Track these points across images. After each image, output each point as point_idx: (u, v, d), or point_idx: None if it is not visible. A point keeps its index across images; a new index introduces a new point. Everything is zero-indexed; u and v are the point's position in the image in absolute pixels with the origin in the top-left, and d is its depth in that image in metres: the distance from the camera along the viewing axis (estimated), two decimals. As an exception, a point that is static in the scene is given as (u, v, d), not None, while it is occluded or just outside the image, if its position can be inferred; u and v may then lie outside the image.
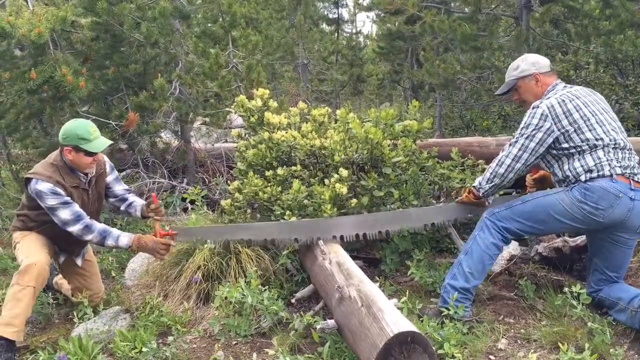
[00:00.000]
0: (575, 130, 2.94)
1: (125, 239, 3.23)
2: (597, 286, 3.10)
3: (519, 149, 3.02)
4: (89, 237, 3.19)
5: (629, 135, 3.17)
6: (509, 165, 3.05)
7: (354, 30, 18.50)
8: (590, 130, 2.94)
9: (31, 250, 3.17)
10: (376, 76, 15.22)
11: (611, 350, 2.65)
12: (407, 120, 4.05)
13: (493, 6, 8.00)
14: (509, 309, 3.25)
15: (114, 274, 4.18)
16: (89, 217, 3.22)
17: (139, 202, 3.57)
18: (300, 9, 14.15)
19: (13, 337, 2.98)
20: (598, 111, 3.02)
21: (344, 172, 3.58)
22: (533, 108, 3.04)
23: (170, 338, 3.00)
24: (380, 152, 3.73)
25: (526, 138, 3.00)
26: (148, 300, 3.53)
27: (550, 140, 2.97)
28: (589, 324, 2.82)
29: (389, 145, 3.77)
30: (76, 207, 3.19)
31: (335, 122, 4.15)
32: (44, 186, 3.12)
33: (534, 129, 2.98)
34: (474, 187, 3.27)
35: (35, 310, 3.55)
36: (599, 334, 2.74)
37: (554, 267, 3.71)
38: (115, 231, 3.24)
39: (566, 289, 2.92)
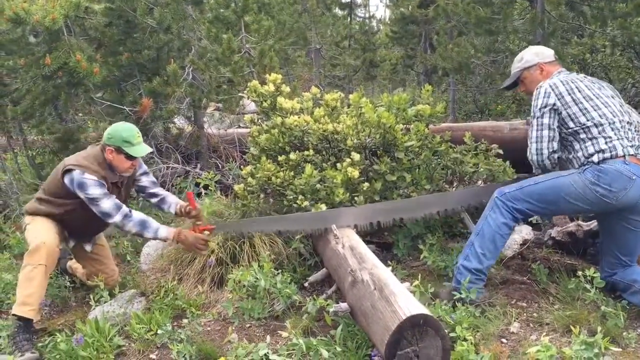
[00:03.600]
0: (580, 109, 2.97)
1: (164, 231, 3.24)
2: (611, 270, 3.08)
3: (537, 129, 3.05)
4: (128, 227, 3.20)
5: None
6: (536, 149, 3.07)
7: (367, 15, 18.38)
8: (595, 110, 2.97)
9: (40, 231, 3.21)
10: (389, 61, 15.14)
11: (624, 333, 2.65)
12: (420, 105, 4.03)
13: (508, -12, 7.91)
14: (522, 293, 3.25)
15: (129, 258, 4.22)
16: (127, 207, 3.25)
17: (172, 200, 3.57)
18: (312, -7, 14.07)
19: (29, 316, 3.02)
20: (604, 95, 3.06)
21: (356, 156, 3.58)
22: (537, 89, 3.11)
23: (185, 321, 3.04)
24: (392, 136, 3.72)
25: (538, 117, 3.05)
26: (163, 283, 3.58)
27: (558, 112, 3.01)
28: (602, 307, 2.81)
29: (401, 130, 3.76)
30: (115, 199, 3.22)
31: (348, 107, 4.15)
32: (89, 177, 3.15)
33: (541, 107, 3.04)
34: None
35: (52, 294, 3.62)
36: (612, 317, 2.74)
37: (567, 251, 3.70)
38: (154, 223, 3.25)
39: (579, 273, 2.91)
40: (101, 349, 2.88)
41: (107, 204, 3.16)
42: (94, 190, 3.15)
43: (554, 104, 3.00)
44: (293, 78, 13.54)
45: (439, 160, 4.03)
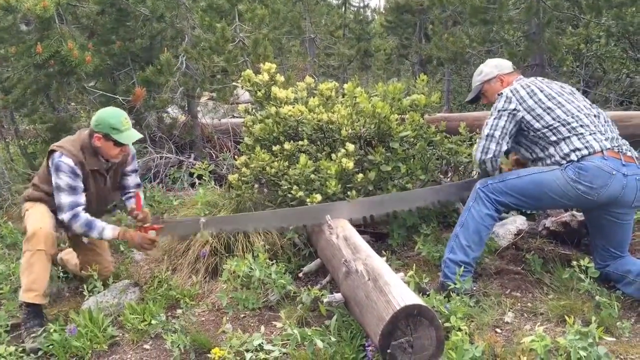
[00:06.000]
0: (544, 109, 3.01)
1: (109, 232, 3.21)
2: (603, 262, 3.08)
3: (490, 128, 3.07)
4: (75, 227, 3.17)
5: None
6: (483, 146, 3.08)
7: (362, 4, 18.27)
8: (558, 107, 3.00)
9: (37, 217, 3.19)
10: (384, 51, 15.11)
11: (618, 323, 2.66)
12: (415, 95, 4.02)
13: (503, -22, 7.88)
14: (516, 283, 3.26)
15: (122, 248, 4.21)
16: (83, 207, 3.20)
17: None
18: (307, -18, 13.98)
19: (36, 301, 3.01)
20: (566, 92, 3.11)
21: (350, 147, 3.56)
22: (498, 95, 3.14)
23: (179, 311, 3.03)
24: (387, 126, 3.70)
25: (494, 118, 3.07)
26: (157, 274, 3.57)
27: (518, 117, 3.04)
28: (597, 297, 2.82)
29: (396, 120, 3.75)
30: (79, 198, 3.18)
31: (343, 97, 4.12)
32: (66, 161, 3.13)
33: (500, 110, 3.07)
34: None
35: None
36: (607, 307, 2.74)
37: (561, 241, 3.70)
38: (99, 223, 3.21)
39: (574, 263, 2.91)
40: (95, 339, 2.88)
41: (66, 199, 3.14)
42: (63, 178, 3.13)
43: (515, 109, 3.03)
44: (287, 67, 13.48)
45: (434, 150, 4.02)
